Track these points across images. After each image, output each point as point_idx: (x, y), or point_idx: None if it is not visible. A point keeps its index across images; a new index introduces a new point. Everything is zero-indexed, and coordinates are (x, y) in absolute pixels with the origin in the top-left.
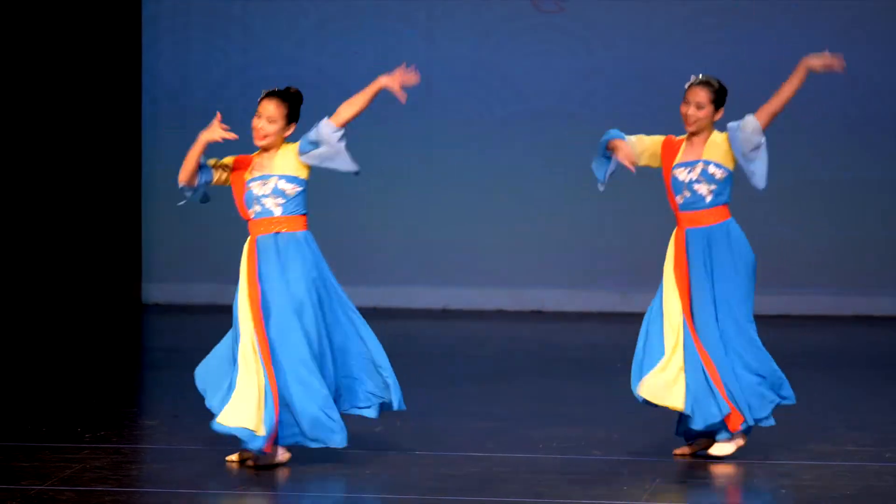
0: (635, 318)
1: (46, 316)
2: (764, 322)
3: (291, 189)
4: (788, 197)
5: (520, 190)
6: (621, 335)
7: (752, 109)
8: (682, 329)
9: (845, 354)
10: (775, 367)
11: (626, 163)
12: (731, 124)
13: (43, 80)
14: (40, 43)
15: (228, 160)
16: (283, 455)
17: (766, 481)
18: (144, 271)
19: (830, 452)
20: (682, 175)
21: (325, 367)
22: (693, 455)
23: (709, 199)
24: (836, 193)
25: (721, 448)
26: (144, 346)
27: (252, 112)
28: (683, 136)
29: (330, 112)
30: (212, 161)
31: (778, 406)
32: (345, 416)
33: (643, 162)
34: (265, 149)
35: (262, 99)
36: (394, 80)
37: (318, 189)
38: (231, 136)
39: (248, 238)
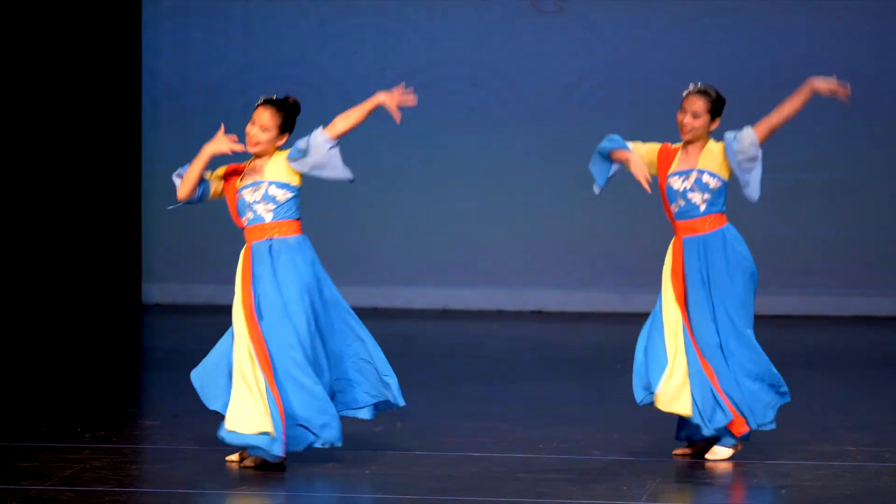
0: (635, 318)
1: (46, 316)
2: (764, 322)
3: (282, 195)
4: (788, 197)
5: (520, 190)
6: (621, 335)
7: (752, 109)
8: (683, 337)
9: (845, 354)
10: (774, 369)
11: (642, 180)
12: (727, 134)
13: (43, 81)
14: (40, 43)
15: (220, 171)
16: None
17: (766, 481)
18: (144, 271)
19: (830, 452)
20: (677, 184)
21: (320, 370)
22: (693, 455)
23: (702, 207)
24: (836, 193)
25: (719, 452)
26: (144, 346)
27: (251, 113)
28: (679, 144)
29: (330, 113)
30: (207, 174)
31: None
32: (342, 418)
33: None
34: (258, 155)
35: (258, 105)
36: (391, 99)
37: (318, 189)
38: (239, 147)
39: (244, 246)
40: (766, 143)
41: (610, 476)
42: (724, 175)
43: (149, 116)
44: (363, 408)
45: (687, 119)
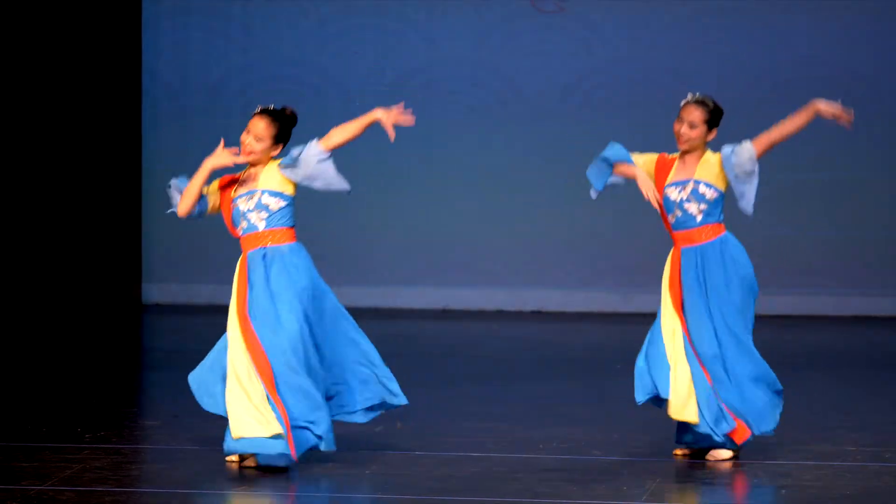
0: (635, 318)
1: (47, 316)
2: (764, 322)
3: (275, 203)
4: (788, 197)
5: (520, 190)
6: (621, 335)
7: (752, 109)
8: (684, 346)
9: (845, 354)
10: (772, 373)
11: (651, 199)
12: (725, 148)
13: (43, 81)
14: (40, 43)
15: (215, 184)
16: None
17: (766, 481)
18: (144, 271)
19: (830, 452)
20: (674, 194)
21: (314, 376)
22: (692, 455)
23: (699, 218)
24: (836, 193)
25: (719, 452)
26: (144, 346)
27: (251, 113)
28: (676, 155)
29: (330, 113)
30: (204, 188)
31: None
32: (342, 423)
33: None
34: (252, 164)
35: (254, 114)
36: (389, 116)
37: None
38: (240, 159)
39: (241, 255)
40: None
41: (610, 476)
42: (721, 186)
43: (149, 116)
44: (360, 411)
45: (684, 129)
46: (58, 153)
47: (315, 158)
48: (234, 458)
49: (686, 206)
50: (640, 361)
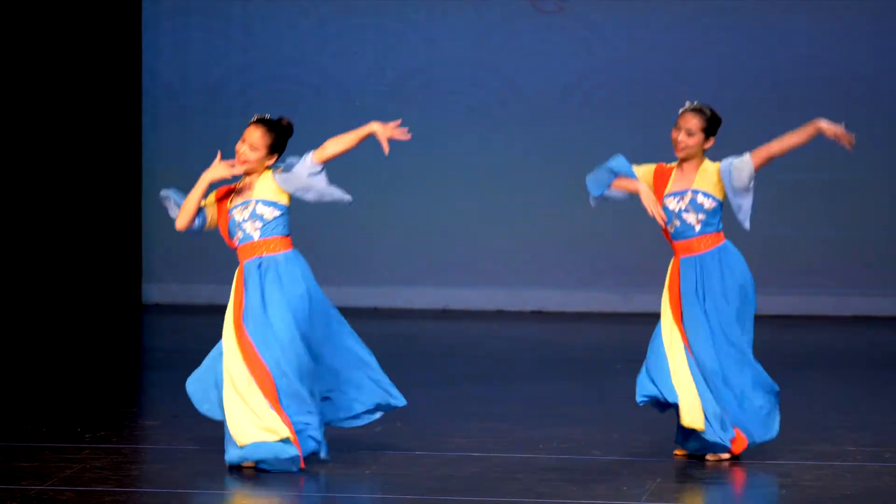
0: (635, 318)
1: (47, 316)
2: (764, 322)
3: (270, 213)
4: (788, 197)
5: (520, 190)
6: (621, 335)
7: (752, 109)
8: (686, 357)
9: (845, 354)
10: (770, 379)
11: (656, 214)
12: (724, 163)
13: (43, 81)
14: (41, 43)
15: (212, 197)
16: None
17: (767, 481)
18: (144, 271)
19: (830, 452)
20: (672, 204)
21: (307, 382)
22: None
23: (697, 228)
24: (836, 193)
25: (719, 454)
26: (144, 346)
27: (251, 113)
28: (674, 164)
29: (330, 113)
30: (202, 201)
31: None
32: (338, 428)
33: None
34: (248, 173)
35: (250, 123)
36: (384, 130)
37: None
38: (238, 171)
39: (238, 266)
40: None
41: (610, 476)
42: (719, 195)
43: (149, 116)
44: (358, 415)
45: (681, 136)
46: (58, 153)
47: (306, 172)
48: (250, 464)
49: (685, 216)
50: (642, 372)
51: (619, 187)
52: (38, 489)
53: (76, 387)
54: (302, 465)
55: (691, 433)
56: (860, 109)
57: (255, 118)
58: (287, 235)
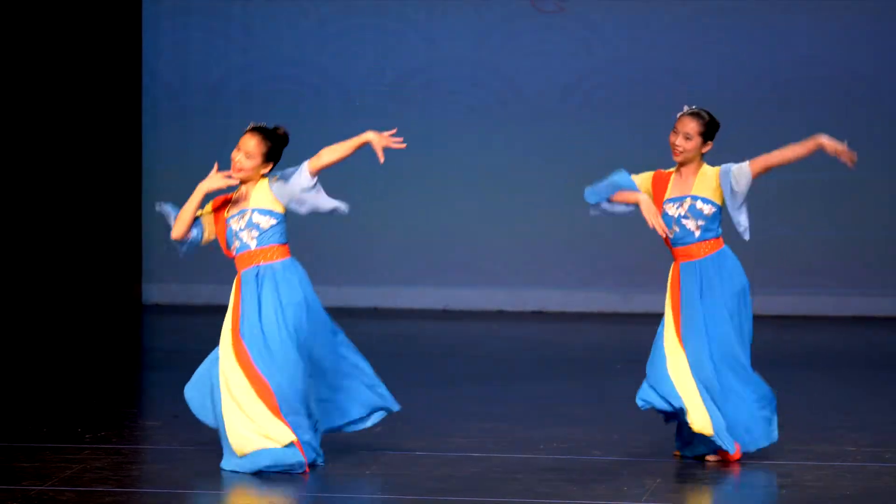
0: (635, 318)
1: (46, 316)
2: (764, 322)
3: (266, 222)
4: (788, 197)
5: (520, 190)
6: (621, 335)
7: (752, 109)
8: (687, 362)
9: (845, 354)
10: (766, 385)
11: (657, 226)
12: (723, 167)
13: (43, 81)
14: (41, 43)
15: (209, 207)
16: None
17: (767, 481)
18: (144, 271)
19: (830, 452)
20: (671, 210)
21: (299, 389)
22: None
23: (697, 234)
24: (836, 193)
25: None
26: (144, 346)
27: (251, 113)
28: (672, 170)
29: (330, 113)
30: (199, 212)
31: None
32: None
33: None
34: (243, 182)
35: (246, 131)
36: (379, 140)
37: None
38: (234, 181)
39: (236, 275)
40: (767, 144)
41: (610, 476)
42: (718, 201)
43: (149, 116)
44: (353, 421)
45: (679, 140)
46: (58, 153)
47: (299, 188)
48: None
49: (684, 222)
50: (644, 384)
51: (619, 199)
52: (39, 489)
53: (76, 387)
54: (307, 470)
55: (690, 441)
56: (860, 109)
57: (251, 126)
58: (284, 243)
